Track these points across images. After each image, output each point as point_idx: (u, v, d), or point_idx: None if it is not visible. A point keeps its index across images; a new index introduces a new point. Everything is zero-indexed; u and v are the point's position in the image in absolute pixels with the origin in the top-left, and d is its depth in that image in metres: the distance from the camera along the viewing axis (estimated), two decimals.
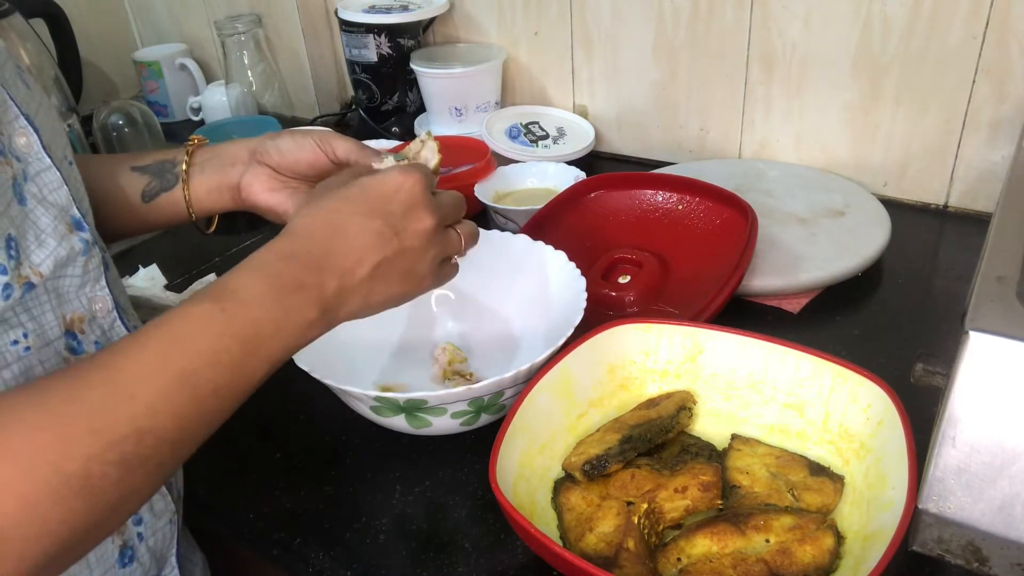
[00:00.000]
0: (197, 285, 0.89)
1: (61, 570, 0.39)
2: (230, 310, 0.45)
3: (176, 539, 0.58)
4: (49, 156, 0.49)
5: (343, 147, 0.64)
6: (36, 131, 0.49)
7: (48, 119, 0.52)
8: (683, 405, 0.64)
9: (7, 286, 0.44)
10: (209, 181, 0.67)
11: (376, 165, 0.61)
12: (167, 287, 0.89)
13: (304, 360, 0.61)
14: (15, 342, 0.46)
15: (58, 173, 0.50)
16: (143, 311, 0.80)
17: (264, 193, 0.66)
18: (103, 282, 0.53)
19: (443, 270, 0.59)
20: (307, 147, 0.65)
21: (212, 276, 0.90)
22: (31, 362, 0.46)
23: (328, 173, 0.67)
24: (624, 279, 0.83)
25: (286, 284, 0.48)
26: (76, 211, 0.50)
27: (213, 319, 0.45)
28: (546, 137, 1.14)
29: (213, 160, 0.68)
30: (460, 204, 0.59)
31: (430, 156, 0.61)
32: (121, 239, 0.73)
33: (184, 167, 0.67)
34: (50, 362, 0.48)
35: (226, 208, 0.69)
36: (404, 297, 0.56)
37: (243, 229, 1.07)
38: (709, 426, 0.65)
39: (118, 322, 0.54)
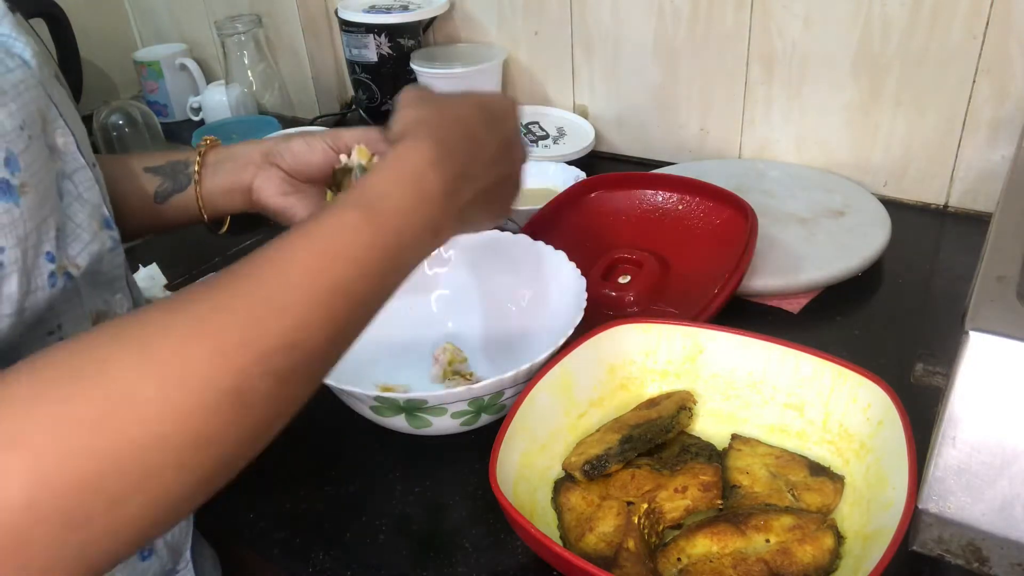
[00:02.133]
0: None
1: (217, 486, 0.39)
2: (377, 221, 0.44)
3: (191, 533, 0.59)
4: (83, 157, 0.50)
5: (350, 135, 0.65)
6: (72, 132, 0.50)
7: (76, 123, 0.53)
8: (683, 405, 0.64)
9: (52, 275, 0.45)
10: (222, 183, 0.68)
11: (383, 148, 0.62)
12: (167, 287, 0.89)
13: None
14: (50, 332, 0.46)
15: (91, 172, 0.51)
16: None
17: (276, 197, 0.67)
18: (123, 282, 0.54)
19: None
20: (318, 150, 0.65)
21: (212, 276, 0.90)
22: None
23: None
24: (624, 279, 0.83)
25: (432, 193, 0.47)
26: (106, 210, 0.52)
27: (361, 231, 0.44)
28: (546, 137, 1.14)
29: (226, 162, 0.68)
30: None
31: None
32: (133, 240, 0.73)
33: (197, 168, 0.68)
34: None
35: (238, 210, 0.70)
36: (495, 222, 0.58)
37: (246, 229, 1.07)
38: (709, 426, 0.65)
39: None
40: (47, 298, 0.45)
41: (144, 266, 0.91)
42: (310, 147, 0.66)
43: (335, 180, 0.64)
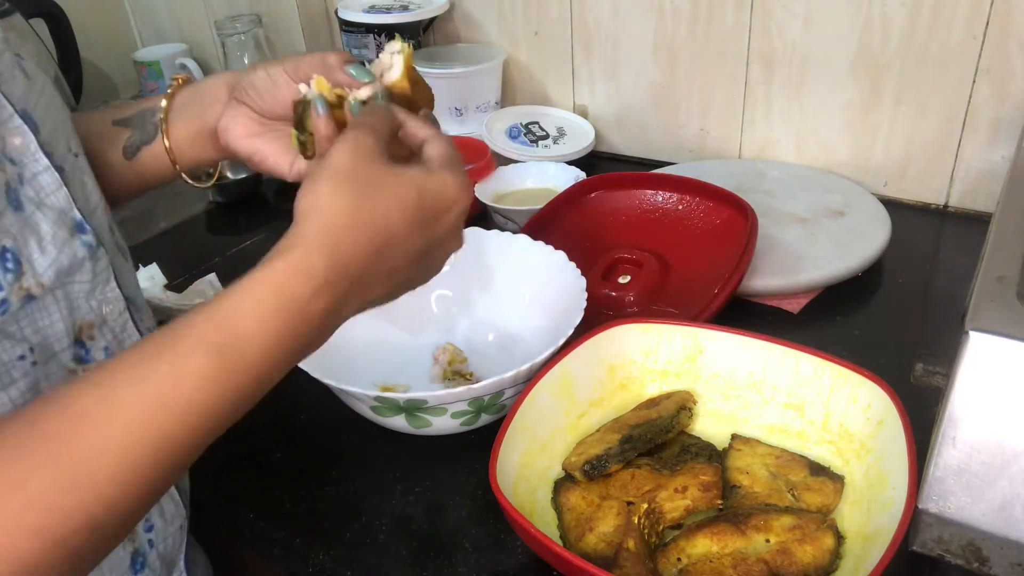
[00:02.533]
0: (198, 285, 0.89)
1: None
2: (234, 368, 0.38)
3: (185, 543, 0.58)
4: (47, 155, 0.46)
5: (309, 60, 0.57)
6: (34, 129, 0.45)
7: (50, 111, 0.49)
8: (683, 405, 0.64)
9: (3, 301, 0.40)
10: (189, 127, 0.61)
11: (340, 75, 0.55)
12: (167, 287, 0.89)
13: (304, 360, 0.61)
14: (22, 357, 0.42)
15: (56, 174, 0.46)
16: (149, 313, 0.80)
17: (242, 139, 0.59)
18: (113, 283, 0.49)
19: None
20: (282, 83, 0.58)
21: (212, 276, 0.90)
22: (37, 376, 0.44)
23: None
24: (624, 279, 0.83)
25: (311, 319, 0.41)
26: (77, 213, 0.47)
27: (212, 378, 0.37)
28: (546, 137, 1.14)
29: (193, 103, 0.61)
30: None
31: (395, 71, 0.55)
32: (117, 205, 0.63)
33: (163, 114, 0.60)
34: (55, 376, 0.45)
35: (211, 158, 0.63)
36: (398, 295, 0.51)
37: (243, 229, 1.07)
38: (709, 426, 0.65)
39: (130, 323, 0.51)
40: None
41: (144, 266, 0.91)
42: (272, 80, 0.58)
43: (296, 115, 0.56)
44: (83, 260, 0.46)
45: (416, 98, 0.56)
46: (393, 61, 0.55)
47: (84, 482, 0.34)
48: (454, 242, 0.50)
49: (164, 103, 0.61)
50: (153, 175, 0.62)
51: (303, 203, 0.44)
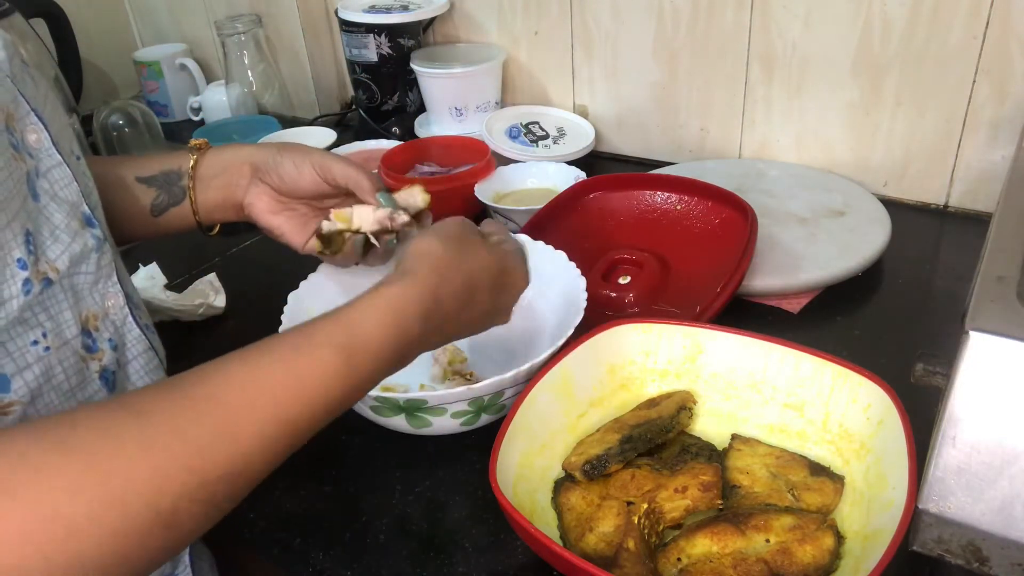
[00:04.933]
0: (198, 285, 0.89)
1: None
2: (356, 364, 0.45)
3: None
4: (59, 152, 0.49)
5: (341, 173, 0.66)
6: (46, 127, 0.49)
7: (55, 114, 0.52)
8: (683, 405, 0.64)
9: (27, 281, 0.44)
10: (215, 198, 0.69)
11: (370, 199, 0.66)
12: (167, 287, 0.89)
13: None
14: (35, 342, 0.45)
15: (68, 169, 0.49)
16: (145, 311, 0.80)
17: (266, 215, 0.69)
18: (115, 278, 0.53)
19: None
20: (307, 175, 0.67)
21: (212, 276, 0.90)
22: (51, 362, 0.46)
23: (327, 195, 0.70)
24: (624, 279, 0.83)
25: (411, 341, 0.50)
26: (86, 208, 0.50)
27: (338, 372, 0.44)
28: (546, 137, 1.14)
29: (218, 176, 0.69)
30: None
31: (419, 200, 0.67)
32: (128, 244, 0.74)
33: (190, 183, 0.68)
34: (68, 362, 0.48)
35: (232, 220, 0.72)
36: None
37: (243, 229, 1.07)
38: (709, 426, 0.65)
39: (130, 318, 0.54)
40: (21, 306, 0.43)
41: (144, 266, 0.91)
42: (299, 171, 0.67)
43: (322, 236, 0.66)
44: (90, 251, 0.50)
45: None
46: (418, 201, 0.68)
47: (231, 436, 0.39)
48: (506, 315, 0.62)
49: (190, 171, 0.68)
50: (174, 228, 0.70)
51: (418, 248, 0.54)
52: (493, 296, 0.58)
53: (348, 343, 0.45)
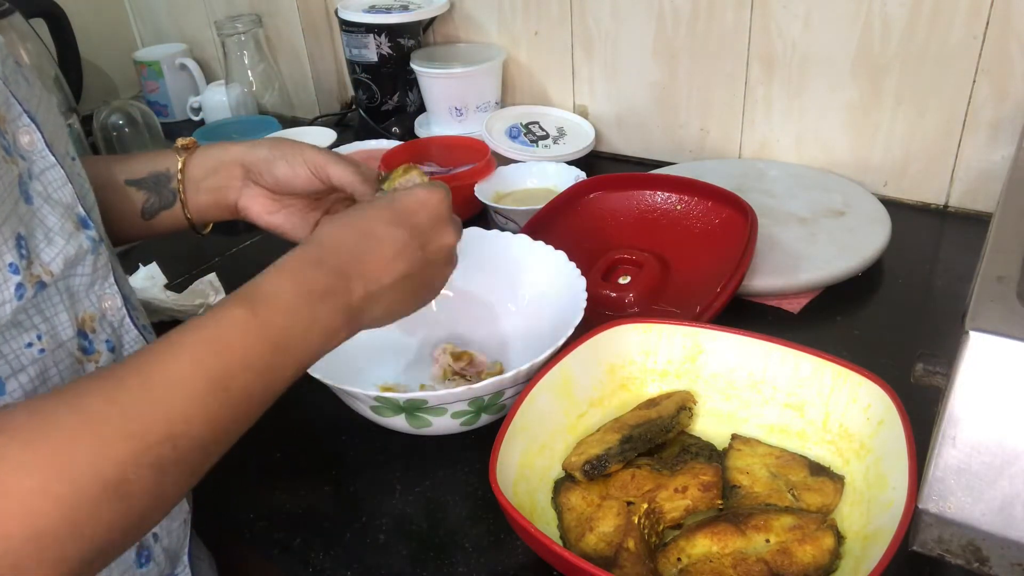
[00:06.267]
0: (198, 285, 0.89)
1: (93, 574, 0.39)
2: (262, 315, 0.46)
3: (188, 537, 0.59)
4: (52, 153, 0.49)
5: (336, 173, 0.65)
6: (39, 128, 0.48)
7: (49, 116, 0.52)
8: (683, 405, 0.64)
9: (20, 286, 0.43)
10: (207, 200, 0.68)
11: (369, 199, 0.63)
12: (167, 287, 0.89)
13: None
14: (29, 344, 0.45)
15: (62, 171, 0.49)
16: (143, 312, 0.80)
17: (263, 215, 0.68)
18: (112, 279, 0.53)
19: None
20: (301, 174, 0.66)
21: (212, 276, 0.90)
22: (46, 364, 0.46)
23: (323, 192, 0.68)
24: (624, 279, 0.83)
25: (314, 290, 0.49)
26: (81, 209, 0.50)
27: (247, 324, 0.45)
28: (546, 137, 1.14)
29: (209, 179, 0.68)
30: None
31: (416, 179, 0.63)
32: (122, 246, 0.73)
33: (180, 186, 0.67)
34: (64, 363, 0.48)
35: (226, 219, 0.71)
36: (419, 307, 0.58)
37: (243, 229, 1.07)
38: (709, 426, 0.65)
39: (127, 319, 0.54)
40: (15, 310, 0.43)
41: (144, 265, 0.91)
42: (293, 171, 0.66)
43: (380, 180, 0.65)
44: (86, 253, 0.50)
45: None
46: (410, 175, 0.64)
47: (163, 400, 0.41)
48: (441, 238, 0.57)
49: (179, 174, 0.67)
50: (166, 229, 0.70)
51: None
52: (398, 230, 0.54)
53: (250, 298, 0.47)
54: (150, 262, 0.92)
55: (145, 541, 0.53)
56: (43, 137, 0.48)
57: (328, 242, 0.52)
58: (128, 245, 1.02)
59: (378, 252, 0.53)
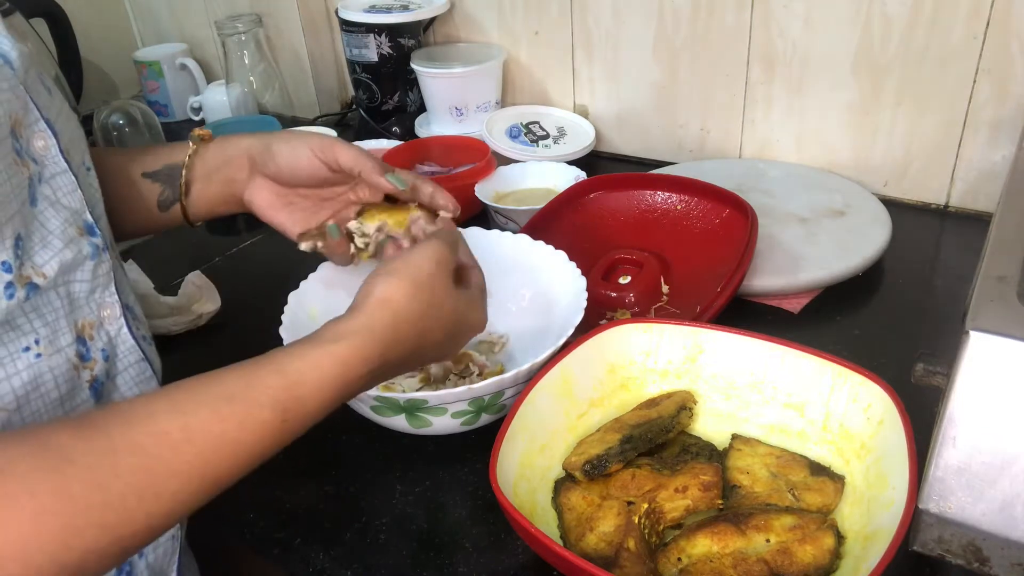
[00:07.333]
0: (186, 287, 0.87)
1: None
2: (290, 424, 0.44)
3: (178, 551, 0.58)
4: (67, 160, 0.49)
5: (347, 157, 0.64)
6: (55, 135, 0.49)
7: (68, 125, 0.52)
8: (683, 405, 0.64)
9: (10, 285, 0.43)
10: (218, 192, 0.68)
11: (379, 179, 0.63)
12: (162, 291, 0.88)
13: None
14: (27, 348, 0.45)
15: (74, 178, 0.49)
16: (145, 323, 0.79)
17: (267, 210, 0.68)
18: (112, 288, 0.52)
19: None
20: (304, 158, 0.64)
21: (196, 273, 0.88)
22: (41, 369, 0.46)
23: (329, 182, 0.67)
24: (624, 279, 0.83)
25: (352, 390, 0.48)
26: (89, 216, 0.50)
27: (271, 431, 0.43)
28: (546, 137, 1.14)
29: (220, 171, 0.67)
30: None
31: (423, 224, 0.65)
32: (134, 239, 0.73)
33: (184, 174, 0.67)
34: (60, 369, 0.47)
35: (236, 212, 0.71)
36: (466, 342, 0.60)
37: (243, 229, 1.07)
38: (709, 426, 0.65)
39: (124, 329, 0.53)
40: (5, 311, 0.43)
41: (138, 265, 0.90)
42: (296, 154, 0.64)
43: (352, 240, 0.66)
44: (85, 259, 0.49)
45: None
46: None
47: (153, 494, 0.37)
48: (457, 352, 0.60)
49: (186, 160, 0.67)
50: (178, 221, 0.69)
51: (383, 290, 0.51)
52: (441, 343, 0.55)
53: (286, 401, 0.43)
54: (150, 262, 0.91)
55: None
56: (58, 144, 0.49)
57: (391, 355, 0.50)
58: (127, 243, 1.02)
59: (420, 358, 0.54)
